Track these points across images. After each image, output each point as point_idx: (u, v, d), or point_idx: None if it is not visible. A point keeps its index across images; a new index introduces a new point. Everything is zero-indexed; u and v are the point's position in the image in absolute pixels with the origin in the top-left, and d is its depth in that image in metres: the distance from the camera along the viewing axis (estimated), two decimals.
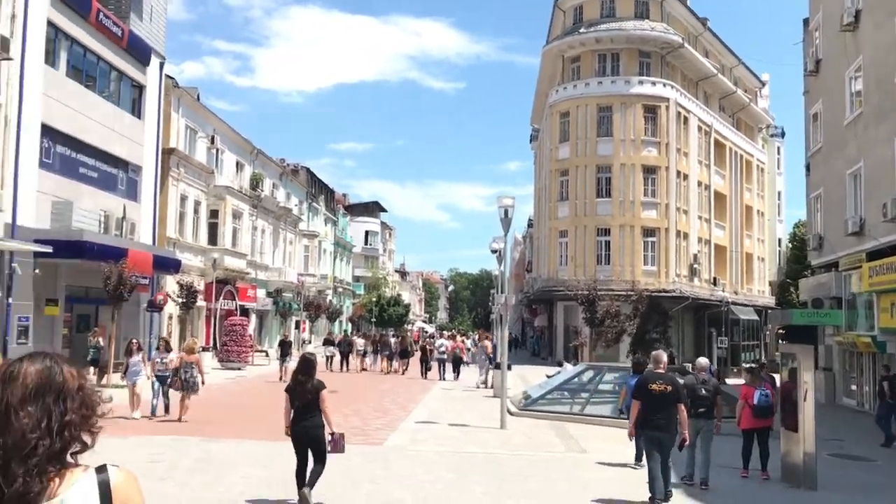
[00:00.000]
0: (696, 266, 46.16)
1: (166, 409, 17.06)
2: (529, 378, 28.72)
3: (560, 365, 28.23)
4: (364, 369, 35.40)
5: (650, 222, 43.89)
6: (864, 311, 23.92)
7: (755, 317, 50.80)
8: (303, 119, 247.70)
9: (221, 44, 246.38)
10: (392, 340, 38.27)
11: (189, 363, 16.66)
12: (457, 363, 32.48)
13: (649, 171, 44.40)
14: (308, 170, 60.12)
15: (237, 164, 42.30)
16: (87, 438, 2.08)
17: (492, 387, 24.67)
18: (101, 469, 2.08)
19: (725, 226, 51.87)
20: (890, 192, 20.67)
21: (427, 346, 36.05)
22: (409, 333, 59.15)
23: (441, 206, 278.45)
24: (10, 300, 21.54)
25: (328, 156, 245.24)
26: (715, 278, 48.89)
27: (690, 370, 14.87)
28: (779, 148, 63.92)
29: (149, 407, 16.87)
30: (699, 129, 48.72)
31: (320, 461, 8.88)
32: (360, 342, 37.42)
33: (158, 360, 17.33)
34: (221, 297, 36.23)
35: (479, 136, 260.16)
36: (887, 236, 20.81)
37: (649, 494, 9.72)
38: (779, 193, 62.81)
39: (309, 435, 8.78)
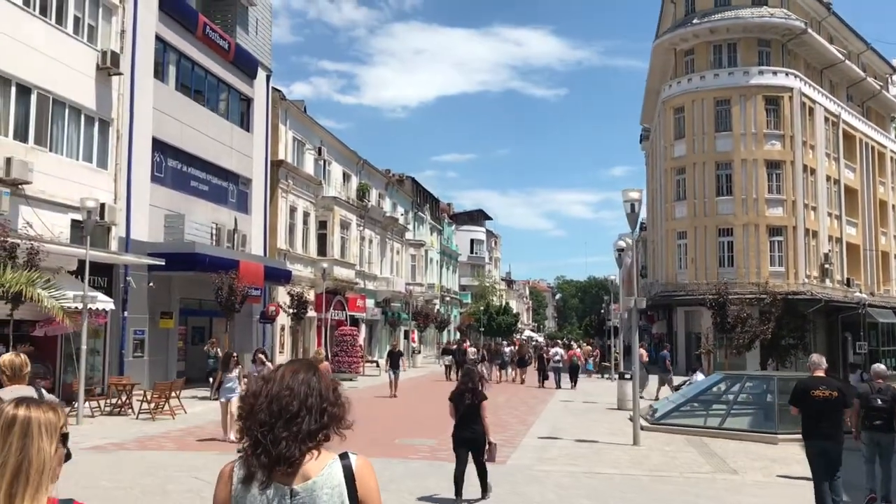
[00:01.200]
0: (827, 266, 43.06)
1: None
2: (651, 389, 26.96)
3: (692, 374, 26.39)
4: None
5: (776, 220, 41.15)
6: None
7: (895, 319, 47.02)
8: (406, 133, 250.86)
9: (327, 64, 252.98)
10: (507, 350, 37.10)
11: None
12: (574, 372, 31.37)
13: (773, 166, 41.72)
14: (413, 179, 59.77)
15: (344, 175, 42.23)
16: (332, 434, 2.35)
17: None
18: (344, 456, 2.37)
19: (858, 222, 48.43)
20: None
21: (544, 355, 34.84)
22: (524, 342, 57.76)
23: (545, 214, 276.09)
24: (126, 314, 21.61)
25: (432, 168, 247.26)
26: (849, 279, 45.56)
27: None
28: None
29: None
30: (826, 119, 45.59)
31: (483, 466, 9.31)
32: (471, 351, 36.45)
33: (255, 374, 15.87)
34: (332, 308, 35.99)
35: (582, 142, 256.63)
36: None
37: None
38: None
39: (472, 440, 9.22)
